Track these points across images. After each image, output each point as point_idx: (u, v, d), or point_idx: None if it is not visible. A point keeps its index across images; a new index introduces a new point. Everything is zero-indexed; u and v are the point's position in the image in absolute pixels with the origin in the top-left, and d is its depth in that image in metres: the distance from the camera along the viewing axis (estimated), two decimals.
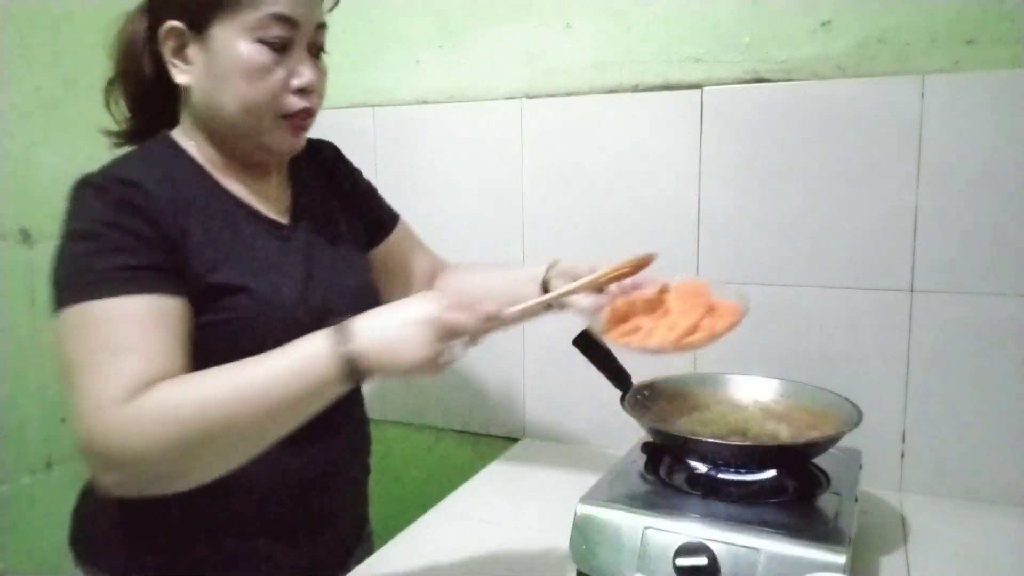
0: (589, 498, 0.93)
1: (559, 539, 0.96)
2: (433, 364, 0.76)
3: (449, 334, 0.76)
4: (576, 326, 1.11)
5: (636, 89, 1.28)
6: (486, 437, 1.48)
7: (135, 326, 0.77)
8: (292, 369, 0.75)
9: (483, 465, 1.32)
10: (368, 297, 0.99)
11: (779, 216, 1.20)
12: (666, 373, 1.15)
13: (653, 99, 1.26)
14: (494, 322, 0.80)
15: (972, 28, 1.08)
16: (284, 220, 0.96)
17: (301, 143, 0.94)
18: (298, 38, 0.87)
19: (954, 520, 1.07)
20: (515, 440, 1.44)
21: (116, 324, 0.76)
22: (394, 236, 1.14)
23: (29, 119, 1.27)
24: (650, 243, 1.28)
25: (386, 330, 0.76)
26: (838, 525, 0.86)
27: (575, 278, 0.96)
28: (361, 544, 1.06)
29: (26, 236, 1.27)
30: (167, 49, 0.87)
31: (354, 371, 0.75)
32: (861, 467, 1.03)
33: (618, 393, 1.07)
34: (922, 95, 1.10)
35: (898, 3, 1.11)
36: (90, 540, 0.95)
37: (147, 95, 0.93)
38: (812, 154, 1.17)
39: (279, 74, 0.86)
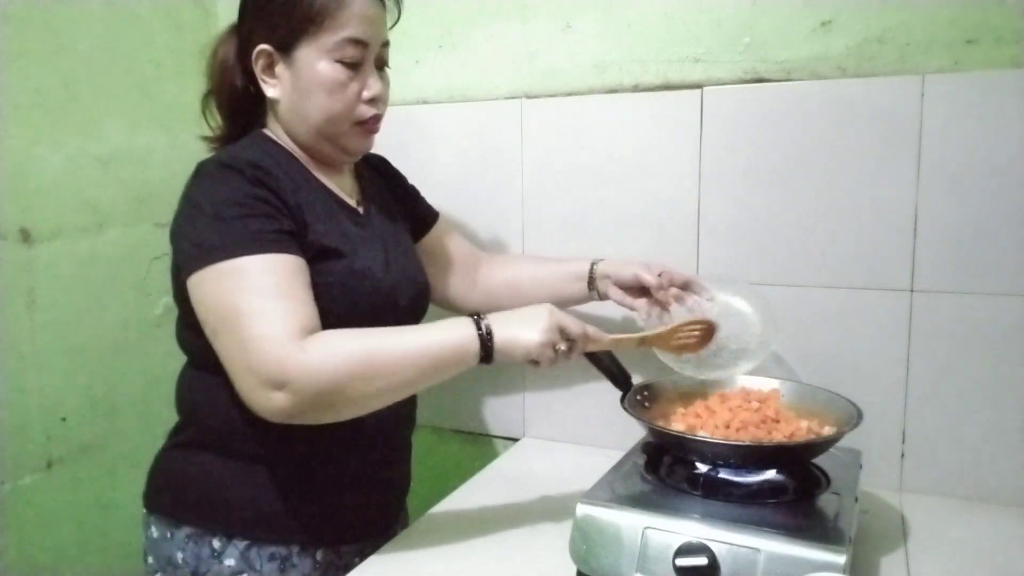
0: (589, 498, 0.93)
1: (559, 539, 0.96)
2: (547, 348, 0.92)
3: (559, 329, 0.93)
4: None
5: (636, 89, 1.28)
6: (486, 437, 1.48)
7: (286, 279, 0.90)
8: (444, 338, 0.91)
9: (483, 465, 1.32)
10: (425, 282, 1.15)
11: (779, 216, 1.20)
12: (666, 373, 1.15)
13: (653, 99, 1.26)
14: (593, 340, 0.98)
15: (972, 28, 1.08)
16: (360, 209, 1.09)
17: (371, 145, 1.08)
18: (367, 56, 1.00)
19: (954, 520, 1.07)
20: (515, 440, 1.44)
21: (272, 276, 0.89)
22: (435, 230, 1.27)
23: (29, 119, 1.27)
24: (650, 243, 1.28)
25: (511, 318, 0.94)
26: (838, 525, 0.86)
27: (619, 282, 1.16)
28: (403, 512, 1.18)
29: (26, 236, 1.27)
30: (258, 68, 1.00)
31: (487, 350, 0.91)
32: (861, 467, 1.03)
33: (618, 393, 1.07)
34: (922, 95, 1.10)
35: (898, 3, 1.11)
36: (173, 493, 1.04)
37: (238, 106, 1.06)
38: (812, 154, 1.17)
39: (353, 88, 1.00)
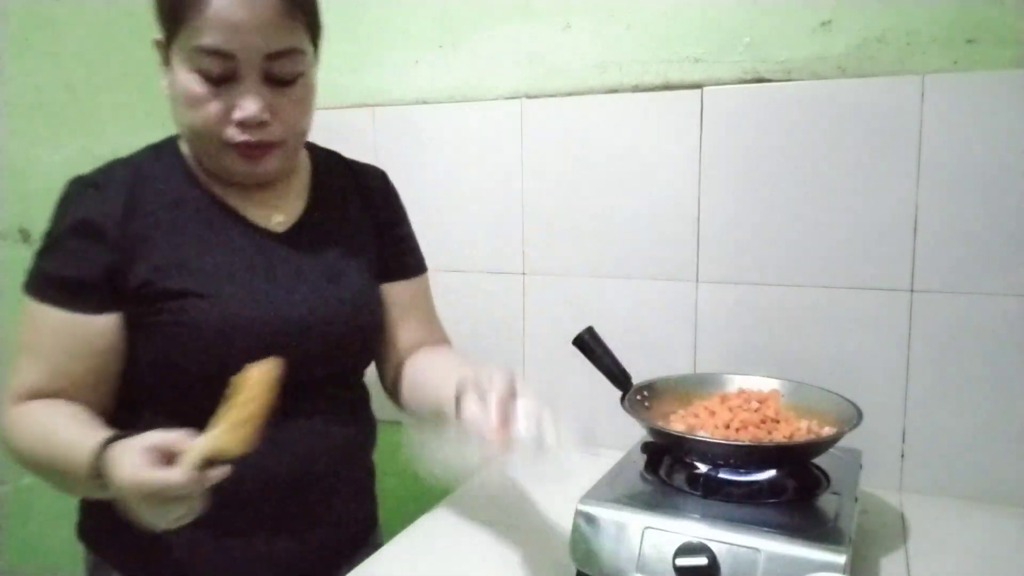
0: (589, 498, 0.93)
1: (559, 539, 0.96)
2: (158, 512, 0.73)
3: (160, 498, 0.72)
4: (576, 326, 1.11)
5: (636, 89, 1.28)
6: None
7: (54, 338, 0.85)
8: (71, 452, 0.80)
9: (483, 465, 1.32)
10: (353, 323, 0.97)
11: (779, 216, 1.20)
12: (666, 373, 1.15)
13: (653, 99, 1.26)
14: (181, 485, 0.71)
15: (972, 28, 1.08)
16: (279, 229, 0.95)
17: (265, 169, 0.89)
18: (239, 70, 0.82)
19: (954, 520, 1.07)
20: None
21: (42, 331, 0.86)
22: (396, 288, 1.07)
23: (29, 119, 1.27)
24: (650, 243, 1.28)
25: (124, 481, 0.73)
26: (838, 525, 0.86)
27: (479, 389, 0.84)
28: (368, 548, 1.04)
29: (26, 236, 1.27)
30: (159, 59, 0.88)
31: (100, 482, 0.77)
32: (861, 467, 1.03)
33: (618, 393, 1.07)
34: (922, 95, 1.10)
35: (898, 3, 1.11)
36: (96, 531, 0.98)
37: None
38: (812, 154, 1.17)
39: (215, 107, 0.83)
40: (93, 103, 1.37)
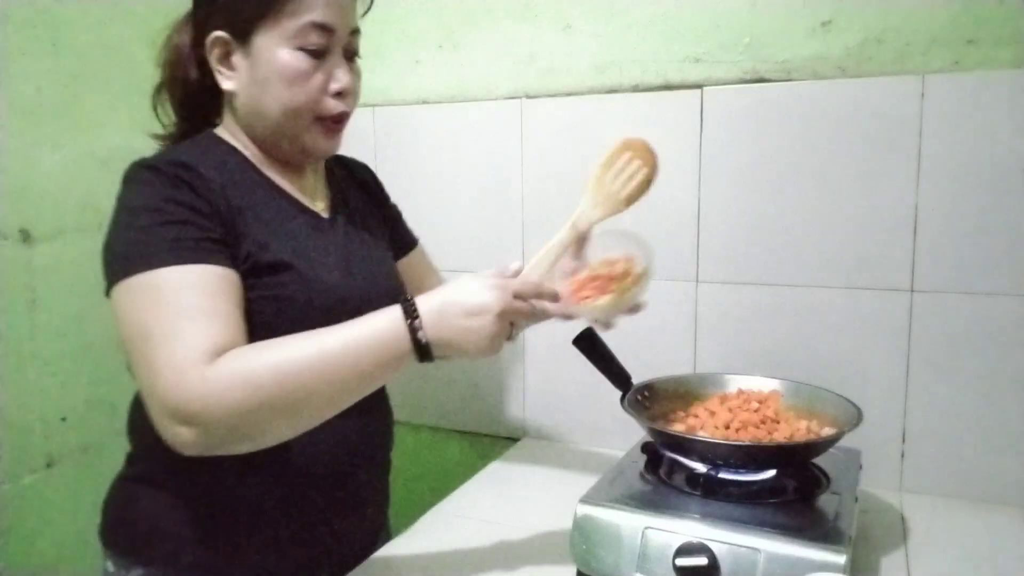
0: (589, 498, 0.93)
1: (559, 539, 0.96)
2: (493, 347, 0.83)
3: (508, 320, 0.83)
4: (576, 326, 1.11)
5: (636, 89, 1.28)
6: (486, 437, 1.48)
7: (205, 293, 0.81)
8: (368, 341, 0.80)
9: (483, 465, 1.32)
10: (398, 292, 1.02)
11: (779, 216, 1.20)
12: (666, 373, 1.15)
13: (653, 99, 1.26)
14: (545, 296, 0.89)
15: (972, 28, 1.08)
16: (324, 214, 1.02)
17: (336, 146, 0.99)
18: (334, 44, 0.92)
19: (954, 520, 1.07)
20: (515, 440, 1.44)
21: (188, 290, 0.81)
22: (410, 258, 1.21)
23: (29, 119, 1.27)
24: (650, 243, 1.28)
25: (450, 319, 0.81)
26: (838, 525, 0.86)
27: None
28: (378, 544, 1.06)
29: (26, 236, 1.27)
30: (213, 57, 0.93)
31: (424, 351, 0.81)
32: (861, 467, 1.03)
33: (618, 393, 1.07)
34: (922, 95, 1.10)
35: (898, 3, 1.11)
36: (125, 530, 0.97)
37: (192, 100, 0.98)
38: (812, 154, 1.17)
39: (317, 79, 0.92)
40: (93, 103, 1.37)
